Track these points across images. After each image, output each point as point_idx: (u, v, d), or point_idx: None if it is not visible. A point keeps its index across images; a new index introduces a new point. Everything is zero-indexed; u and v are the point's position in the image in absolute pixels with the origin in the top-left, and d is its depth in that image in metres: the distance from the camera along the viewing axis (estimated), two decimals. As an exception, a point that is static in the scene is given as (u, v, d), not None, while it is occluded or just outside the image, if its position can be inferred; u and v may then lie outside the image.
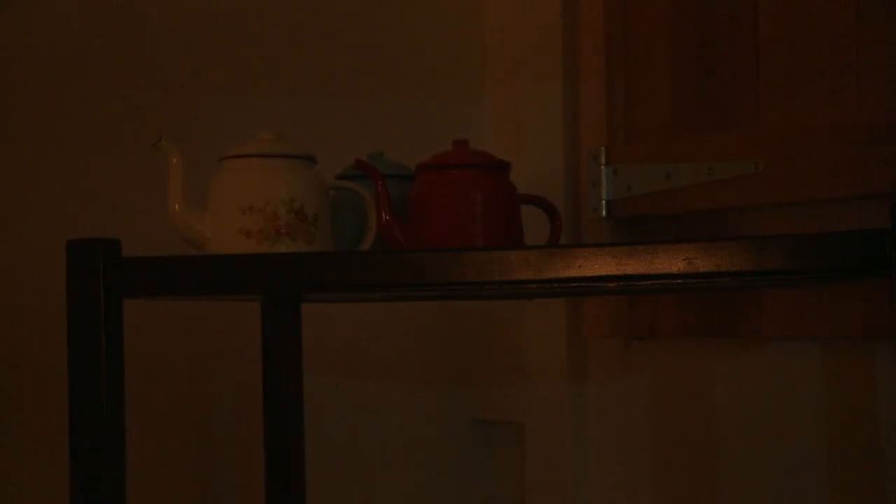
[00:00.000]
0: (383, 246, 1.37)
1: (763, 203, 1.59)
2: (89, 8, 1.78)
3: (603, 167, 1.78)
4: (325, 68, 1.96)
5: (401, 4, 2.03)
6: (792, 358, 1.65)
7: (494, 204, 1.35)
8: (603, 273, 1.11)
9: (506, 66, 2.06)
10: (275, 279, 1.18)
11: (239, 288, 1.20)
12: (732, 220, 1.66)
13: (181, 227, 1.31)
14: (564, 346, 1.94)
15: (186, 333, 1.82)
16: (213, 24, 1.87)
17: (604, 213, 1.78)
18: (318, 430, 1.82)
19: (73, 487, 1.19)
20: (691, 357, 1.79)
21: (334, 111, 1.95)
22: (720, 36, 1.68)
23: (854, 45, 1.52)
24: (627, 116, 1.81)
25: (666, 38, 1.75)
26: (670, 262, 1.10)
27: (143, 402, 1.70)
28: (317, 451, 1.79)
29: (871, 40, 1.51)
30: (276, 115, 1.88)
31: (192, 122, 1.81)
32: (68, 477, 1.20)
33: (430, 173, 1.36)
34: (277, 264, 1.19)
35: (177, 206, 1.30)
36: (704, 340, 1.75)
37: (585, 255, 1.12)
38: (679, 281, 1.11)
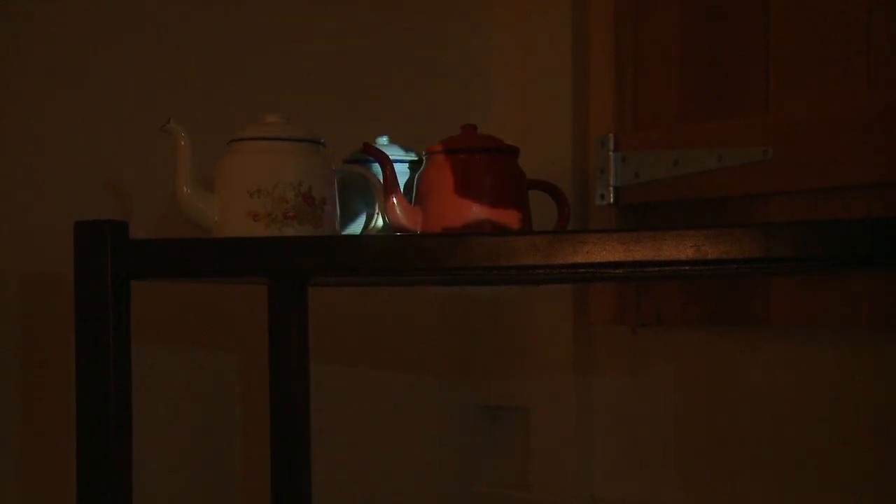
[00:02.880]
0: (391, 230, 1.36)
1: (772, 190, 1.59)
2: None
3: (611, 153, 1.78)
4: (333, 52, 1.95)
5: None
6: (800, 346, 1.65)
7: (502, 189, 1.35)
8: (611, 259, 1.11)
9: (514, 52, 2.05)
10: (281, 262, 1.18)
11: (245, 271, 1.20)
12: (741, 207, 1.65)
13: (189, 210, 1.31)
14: (571, 332, 1.94)
15: (193, 316, 1.82)
16: (220, 7, 1.87)
17: (612, 199, 1.77)
18: (325, 415, 1.82)
19: (80, 469, 1.19)
20: (697, 344, 1.79)
21: (343, 94, 1.95)
22: (730, 22, 1.68)
23: (865, 33, 1.51)
24: (636, 103, 1.80)
25: (675, 25, 1.75)
26: (678, 248, 1.10)
27: (150, 384, 1.70)
28: (324, 436, 1.79)
29: (881, 27, 1.50)
30: (284, 99, 1.88)
31: (201, 104, 1.81)
32: (75, 460, 1.20)
33: (438, 158, 1.36)
34: (284, 247, 1.18)
35: (185, 189, 1.30)
36: (711, 328, 1.75)
37: (593, 240, 1.11)
38: (687, 267, 1.11)
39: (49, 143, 1.73)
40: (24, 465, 1.71)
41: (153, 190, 1.74)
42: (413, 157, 1.44)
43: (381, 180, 1.36)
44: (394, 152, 1.42)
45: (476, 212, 1.33)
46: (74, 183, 1.74)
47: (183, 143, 1.30)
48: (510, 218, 1.34)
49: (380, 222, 1.37)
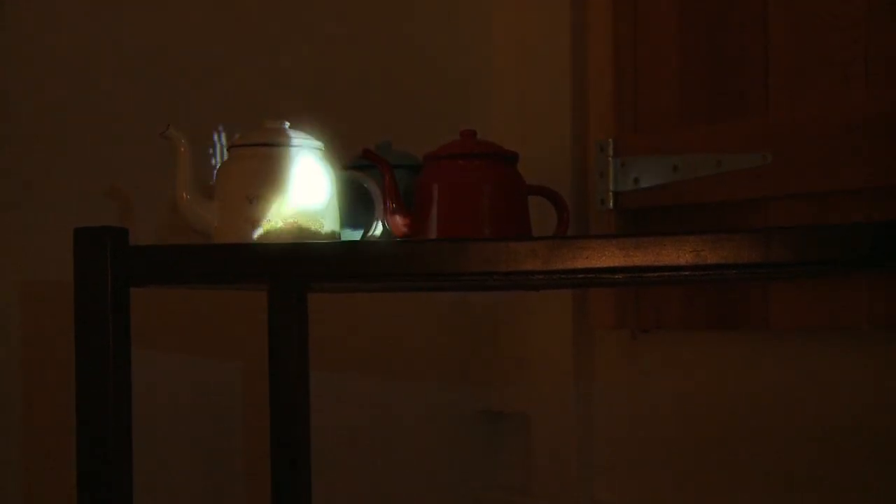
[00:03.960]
0: (390, 236, 1.36)
1: (771, 195, 1.59)
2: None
3: (611, 159, 1.78)
4: (333, 57, 1.96)
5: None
6: (799, 349, 1.65)
7: (502, 195, 1.35)
8: (610, 264, 1.11)
9: (514, 56, 2.05)
10: (281, 268, 1.18)
11: (245, 277, 1.20)
12: (740, 212, 1.65)
13: (188, 216, 1.31)
14: (571, 337, 1.94)
15: (193, 322, 1.82)
16: (221, 13, 1.87)
17: (611, 204, 1.77)
18: (326, 421, 1.82)
19: (80, 477, 1.19)
20: (697, 348, 1.79)
21: (342, 99, 1.95)
22: (729, 26, 1.68)
23: (864, 36, 1.51)
24: (636, 108, 1.80)
25: (675, 29, 1.75)
26: (678, 253, 1.10)
27: (150, 390, 1.70)
28: (324, 442, 1.79)
29: (880, 30, 1.50)
30: (283, 104, 1.88)
31: (200, 110, 1.81)
32: (76, 466, 1.20)
33: (437, 163, 1.36)
34: (284, 253, 1.18)
35: (184, 195, 1.30)
36: (711, 332, 1.75)
37: (593, 246, 1.12)
38: (686, 273, 1.11)
39: (49, 150, 1.73)
40: (25, 469, 1.71)
41: (153, 196, 1.74)
42: (413, 162, 1.44)
43: (381, 186, 1.36)
44: (394, 158, 1.42)
45: (475, 217, 1.33)
46: (74, 189, 1.74)
47: (182, 149, 1.30)
48: (509, 223, 1.34)
49: (379, 228, 1.37)
